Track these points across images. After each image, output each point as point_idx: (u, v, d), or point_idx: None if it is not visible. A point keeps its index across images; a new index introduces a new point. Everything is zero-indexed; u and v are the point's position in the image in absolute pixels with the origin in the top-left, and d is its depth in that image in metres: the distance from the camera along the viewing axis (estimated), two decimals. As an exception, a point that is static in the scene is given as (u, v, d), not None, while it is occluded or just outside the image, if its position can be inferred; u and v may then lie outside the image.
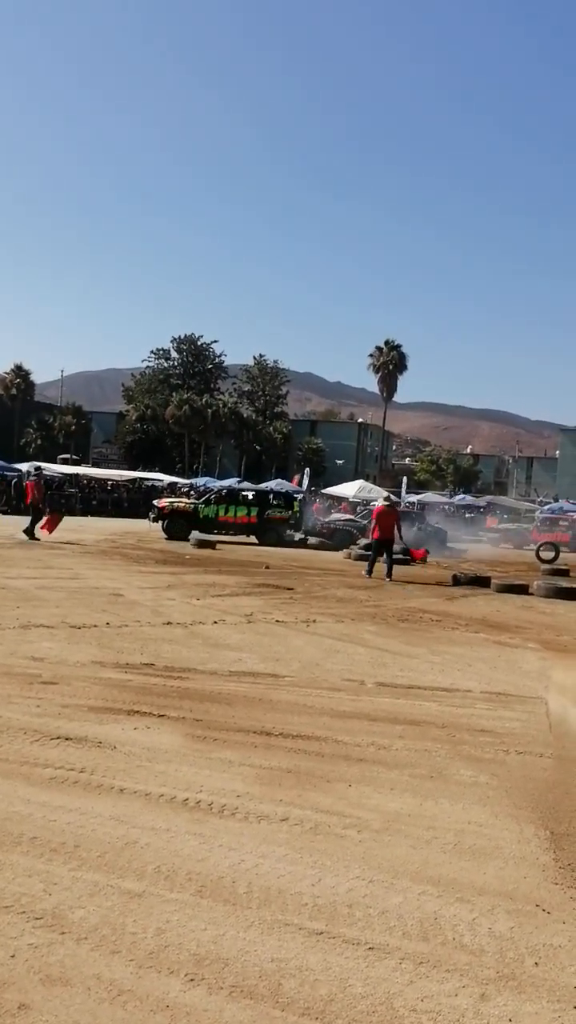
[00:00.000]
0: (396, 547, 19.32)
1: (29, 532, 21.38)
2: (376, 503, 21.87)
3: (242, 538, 26.12)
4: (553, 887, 3.65)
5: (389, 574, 17.28)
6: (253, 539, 26.11)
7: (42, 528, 21.62)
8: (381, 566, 17.57)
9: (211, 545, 22.82)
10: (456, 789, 4.87)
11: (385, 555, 17.63)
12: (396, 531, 18.07)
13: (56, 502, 39.40)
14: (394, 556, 18.57)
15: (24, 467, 41.18)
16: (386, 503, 19.13)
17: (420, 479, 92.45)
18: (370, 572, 17.64)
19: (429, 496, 60.14)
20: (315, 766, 5.12)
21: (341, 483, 54.58)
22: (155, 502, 28.66)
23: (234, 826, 4.12)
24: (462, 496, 62.78)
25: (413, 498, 55.86)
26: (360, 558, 21.30)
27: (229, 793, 4.56)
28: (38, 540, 21.08)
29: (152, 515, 26.81)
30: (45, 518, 21.98)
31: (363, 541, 24.20)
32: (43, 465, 33.30)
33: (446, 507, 51.89)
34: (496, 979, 2.89)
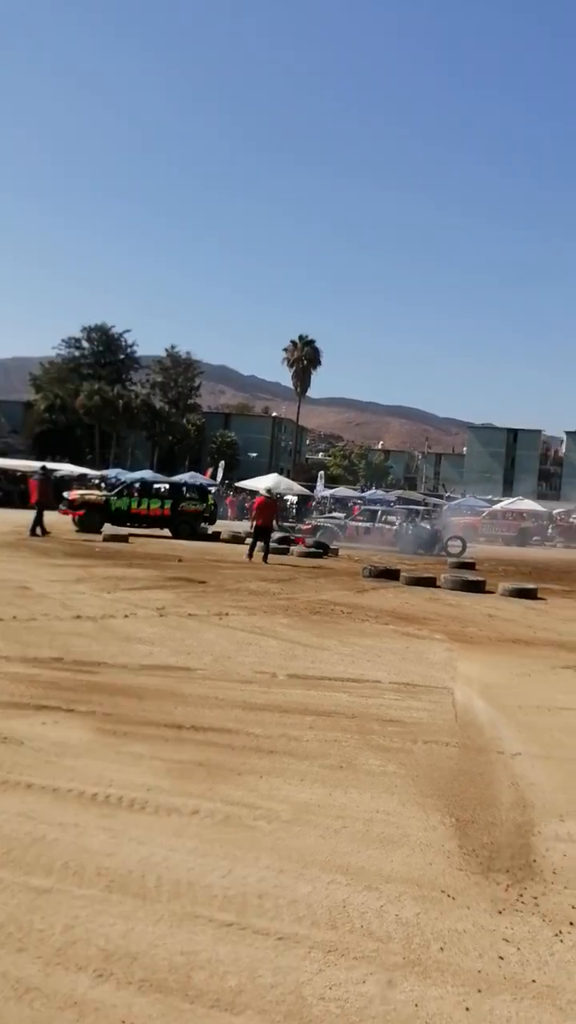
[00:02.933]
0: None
1: (32, 530, 21.79)
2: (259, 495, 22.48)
3: (155, 531, 25.90)
4: (458, 873, 3.74)
5: (265, 557, 19.51)
6: (166, 532, 25.91)
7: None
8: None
9: (122, 538, 22.54)
10: (365, 779, 4.94)
11: (263, 542, 19.75)
12: (275, 521, 21.02)
13: None
14: (310, 549, 22.25)
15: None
16: (266, 495, 21.04)
17: (333, 474, 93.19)
18: (250, 556, 19.54)
19: (342, 490, 60.59)
20: (226, 759, 5.12)
21: (255, 477, 54.61)
22: (66, 494, 28.11)
23: (144, 820, 4.10)
24: (373, 491, 63.44)
25: (326, 492, 56.24)
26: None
27: (139, 787, 4.53)
28: (39, 536, 21.57)
29: (62, 507, 26.31)
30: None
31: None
32: (49, 465, 32.45)
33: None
34: (403, 965, 2.95)
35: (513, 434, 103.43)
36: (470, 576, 17.61)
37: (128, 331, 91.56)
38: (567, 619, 13.27)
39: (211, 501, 27.58)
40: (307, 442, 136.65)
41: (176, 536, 25.49)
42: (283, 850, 3.85)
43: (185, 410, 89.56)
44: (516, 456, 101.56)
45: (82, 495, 27.03)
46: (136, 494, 26.37)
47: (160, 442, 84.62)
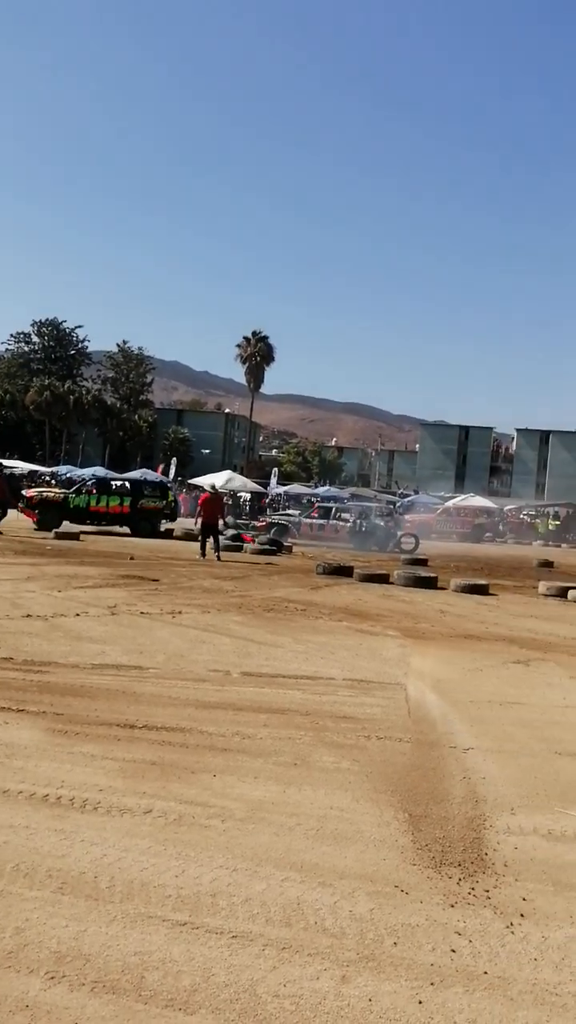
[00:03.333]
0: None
1: None
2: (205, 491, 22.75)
3: (108, 528, 25.71)
4: (411, 868, 3.77)
5: (217, 555, 19.60)
6: (120, 530, 25.73)
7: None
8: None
9: (74, 536, 22.33)
10: (319, 775, 4.95)
11: (212, 538, 19.88)
12: (221, 517, 20.87)
13: None
14: (264, 546, 22.21)
15: None
16: (211, 491, 21.52)
17: (287, 471, 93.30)
18: (203, 554, 19.56)
19: (296, 487, 60.71)
20: (179, 757, 5.10)
21: (208, 473, 54.48)
22: (24, 492, 27.81)
23: (96, 820, 4.06)
24: (327, 488, 63.68)
25: (280, 489, 56.31)
26: (226, 548, 21.75)
27: (91, 787, 4.49)
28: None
29: (21, 505, 25.98)
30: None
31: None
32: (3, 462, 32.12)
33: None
34: (357, 960, 2.96)
35: (465, 431, 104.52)
36: (423, 572, 17.75)
37: (80, 326, 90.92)
38: (518, 614, 13.46)
39: (171, 497, 27.44)
40: (260, 439, 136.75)
41: (136, 533, 25.30)
42: (237, 848, 3.84)
43: (137, 406, 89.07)
44: (468, 453, 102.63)
45: (40, 493, 26.84)
46: (95, 491, 26.19)
47: (111, 439, 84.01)
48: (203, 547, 19.78)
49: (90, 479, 28.61)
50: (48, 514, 24.85)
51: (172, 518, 27.35)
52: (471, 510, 44.63)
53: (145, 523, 25.89)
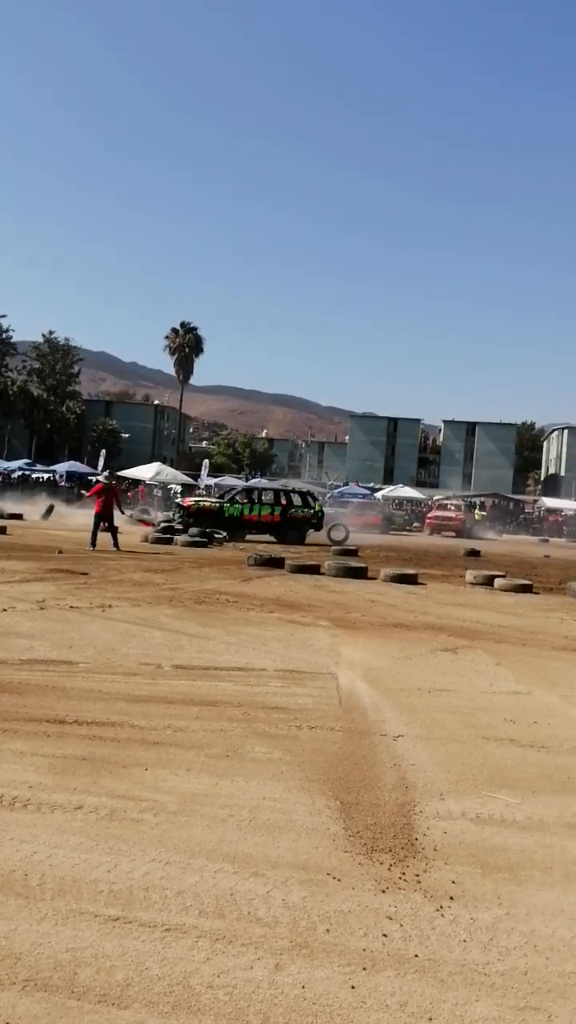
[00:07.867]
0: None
1: None
2: (99, 479, 23.22)
3: (28, 523, 25.36)
4: (343, 855, 3.81)
5: (115, 545, 19.57)
6: (39, 523, 25.41)
7: None
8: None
9: (0, 530, 21.96)
10: (251, 766, 4.96)
11: (108, 527, 19.84)
12: (116, 506, 20.46)
13: None
14: (195, 538, 22.35)
15: None
16: (105, 480, 21.87)
17: (217, 462, 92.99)
18: (93, 544, 19.42)
19: (226, 479, 60.64)
20: (110, 752, 5.06)
21: (137, 466, 54.02)
22: (179, 501, 29.16)
23: (26, 818, 4.01)
24: (258, 479, 63.71)
25: (211, 481, 56.21)
26: (157, 540, 22.03)
27: (20, 785, 4.42)
28: None
29: (176, 514, 26.72)
30: None
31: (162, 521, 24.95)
32: None
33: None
34: (290, 948, 2.98)
35: (393, 423, 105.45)
36: (353, 563, 17.90)
37: (3, 316, 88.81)
38: (445, 603, 13.67)
39: (318, 507, 27.65)
40: (191, 430, 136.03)
41: (283, 542, 25.26)
42: (169, 841, 3.83)
43: (64, 397, 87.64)
44: (396, 444, 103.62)
45: (197, 502, 27.53)
46: (246, 501, 26.66)
47: (38, 430, 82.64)
48: (93, 537, 19.62)
49: (239, 488, 30.02)
50: (204, 523, 25.19)
51: (318, 527, 27.36)
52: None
53: (293, 532, 26.02)
